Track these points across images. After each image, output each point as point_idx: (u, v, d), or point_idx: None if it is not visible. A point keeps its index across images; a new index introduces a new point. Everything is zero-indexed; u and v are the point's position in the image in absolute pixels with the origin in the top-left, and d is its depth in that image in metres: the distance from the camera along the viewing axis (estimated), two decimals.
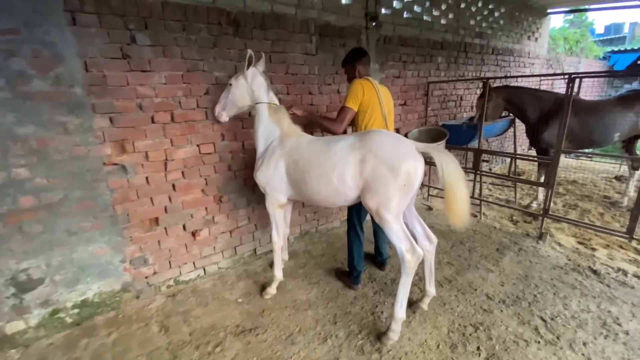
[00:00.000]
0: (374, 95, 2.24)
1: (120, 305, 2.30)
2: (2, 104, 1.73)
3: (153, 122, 2.21)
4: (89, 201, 2.08)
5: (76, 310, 2.13)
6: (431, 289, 2.16)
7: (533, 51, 5.95)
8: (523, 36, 5.64)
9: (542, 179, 3.86)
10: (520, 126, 4.50)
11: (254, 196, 2.81)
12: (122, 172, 2.16)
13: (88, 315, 2.17)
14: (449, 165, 1.65)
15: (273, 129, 2.15)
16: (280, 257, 2.44)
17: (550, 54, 6.71)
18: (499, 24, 5.00)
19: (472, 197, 3.76)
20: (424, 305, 2.17)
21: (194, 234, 2.54)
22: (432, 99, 4.14)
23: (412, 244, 1.79)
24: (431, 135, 3.99)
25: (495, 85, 4.03)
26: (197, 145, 2.43)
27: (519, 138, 5.36)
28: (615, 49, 9.53)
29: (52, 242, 2.00)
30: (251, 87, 2.13)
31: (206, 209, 2.58)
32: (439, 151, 1.73)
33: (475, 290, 2.41)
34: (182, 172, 2.40)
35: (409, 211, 2.04)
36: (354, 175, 1.80)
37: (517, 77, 3.60)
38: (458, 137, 3.81)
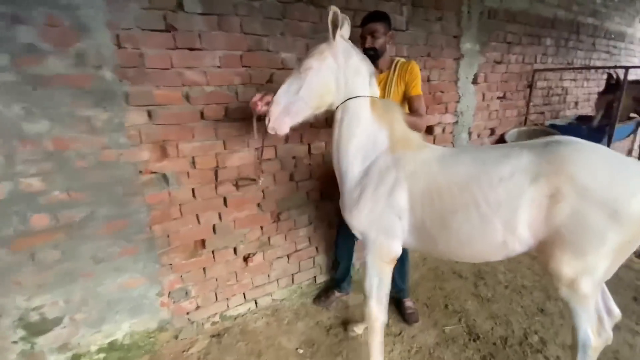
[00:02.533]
0: None
1: (156, 347, 1.83)
2: (6, 91, 1.25)
3: (203, 117, 1.67)
4: (120, 220, 1.59)
5: (102, 355, 1.68)
6: None
7: None
8: (635, 18, 4.47)
9: None
10: None
11: (317, 212, 2.22)
12: (162, 182, 1.65)
13: None
14: None
15: (378, 137, 1.40)
16: (380, 343, 1.56)
17: None
18: (614, 1, 3.93)
19: None
20: None
21: (246, 260, 2.01)
22: (535, 92, 3.27)
23: (600, 322, 1.27)
24: (533, 138, 3.16)
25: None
26: (256, 149, 1.86)
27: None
28: None
29: (72, 273, 1.54)
30: (345, 71, 1.37)
31: (262, 228, 2.02)
32: None
33: None
34: (236, 183, 1.85)
35: None
36: (535, 220, 1.14)
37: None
38: None
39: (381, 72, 1.78)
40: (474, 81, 2.71)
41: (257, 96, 1.45)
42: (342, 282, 2.19)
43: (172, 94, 1.57)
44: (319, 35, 1.85)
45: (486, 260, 1.37)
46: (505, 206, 1.17)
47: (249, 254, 2.01)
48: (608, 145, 2.76)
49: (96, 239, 1.57)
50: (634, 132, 3.50)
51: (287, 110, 1.37)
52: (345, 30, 1.42)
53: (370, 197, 1.37)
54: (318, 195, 2.19)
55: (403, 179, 1.33)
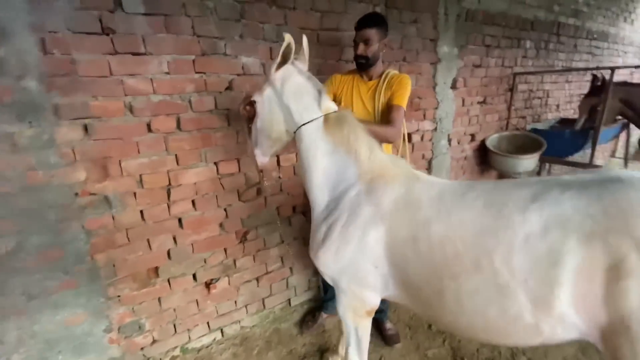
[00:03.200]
0: None
1: None
2: None
3: (150, 130, 1.48)
4: (54, 250, 1.39)
5: None
6: None
7: (628, 36, 4.78)
8: (619, 17, 4.48)
9: None
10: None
11: (290, 229, 2.05)
12: (104, 205, 1.45)
13: None
14: None
15: (344, 164, 1.19)
16: None
17: None
18: (597, 0, 3.92)
19: None
20: None
21: (208, 286, 1.82)
22: (516, 95, 3.19)
23: None
24: (516, 143, 3.07)
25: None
26: (215, 164, 1.68)
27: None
28: None
29: (2, 311, 1.33)
30: (284, 97, 1.21)
31: (225, 250, 1.84)
32: None
33: None
34: (193, 202, 1.67)
35: None
36: (585, 298, 0.82)
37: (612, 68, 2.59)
38: (558, 147, 2.87)
39: (370, 79, 1.64)
40: (453, 86, 2.60)
41: (241, 101, 1.40)
42: (330, 302, 2.01)
43: (112, 104, 1.38)
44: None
45: (513, 345, 1.05)
46: (535, 275, 0.85)
47: (212, 280, 1.82)
48: (592, 149, 2.69)
49: (28, 272, 1.36)
50: (619, 134, 3.46)
51: (256, 142, 1.36)
52: (301, 57, 1.30)
53: (338, 237, 1.15)
54: (290, 210, 2.02)
55: (379, 218, 1.09)
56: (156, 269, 1.64)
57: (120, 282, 1.56)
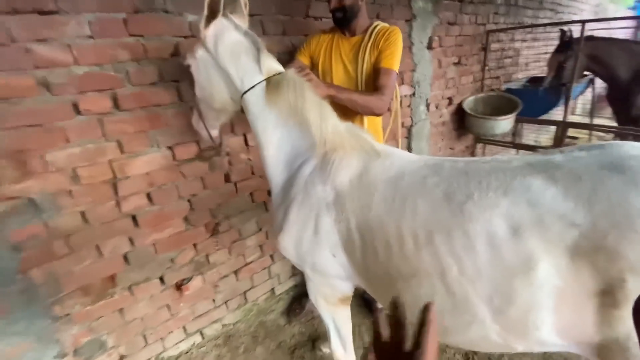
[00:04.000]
0: None
1: None
2: None
3: (79, 112, 1.18)
4: None
5: None
6: None
7: None
8: None
9: None
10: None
11: (267, 214, 1.84)
12: (30, 210, 1.16)
13: None
14: None
15: (296, 135, 1.01)
16: None
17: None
18: None
19: None
20: None
21: (179, 287, 1.60)
22: (489, 55, 3.08)
23: None
24: (492, 105, 3.00)
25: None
26: (169, 148, 1.42)
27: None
28: None
29: None
30: (220, 59, 1.01)
31: (195, 246, 1.61)
32: None
33: None
34: (148, 196, 1.41)
35: None
36: (569, 324, 0.68)
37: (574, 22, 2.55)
38: (531, 106, 2.82)
39: (353, 35, 1.40)
40: (429, 46, 2.42)
41: None
42: None
43: (19, 81, 1.06)
44: None
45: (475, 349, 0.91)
46: (502, 293, 0.69)
47: (183, 281, 1.60)
48: (565, 107, 2.66)
49: None
50: (585, 90, 3.49)
51: (199, 113, 1.19)
52: (238, 9, 1.07)
53: (295, 220, 0.99)
54: (265, 194, 1.81)
55: (331, 200, 0.92)
56: (113, 277, 1.39)
57: (68, 297, 1.30)
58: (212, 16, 0.96)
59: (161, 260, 1.50)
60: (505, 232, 0.68)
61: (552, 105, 2.86)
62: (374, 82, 1.35)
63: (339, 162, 0.93)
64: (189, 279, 1.62)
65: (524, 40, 3.64)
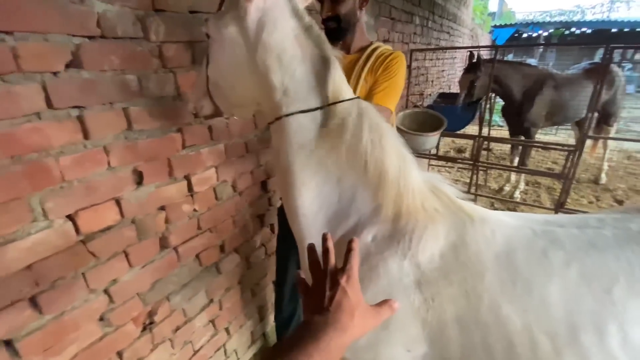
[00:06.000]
0: None
1: None
2: None
3: None
4: None
5: None
6: None
7: (464, 19, 5.67)
8: (460, 1, 5.22)
9: (515, 162, 3.56)
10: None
11: (220, 279, 1.39)
12: None
13: None
14: None
15: (351, 188, 0.71)
16: None
17: (472, 24, 6.65)
18: None
19: (467, 192, 3.14)
20: None
21: None
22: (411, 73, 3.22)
23: None
24: (417, 120, 3.12)
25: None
26: (69, 218, 0.85)
27: None
28: (497, 23, 10.65)
29: None
30: (258, 51, 0.65)
31: (120, 355, 1.05)
32: None
33: None
34: (33, 301, 0.81)
35: None
36: None
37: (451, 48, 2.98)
38: (450, 121, 3.04)
39: (348, 52, 1.12)
40: None
41: None
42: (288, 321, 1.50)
43: None
44: None
45: None
46: None
47: None
48: (480, 122, 2.96)
49: None
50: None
51: (204, 91, 0.82)
52: None
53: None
54: (217, 252, 1.35)
55: (413, 280, 0.67)
56: None
57: None
58: None
59: None
60: None
61: (468, 120, 3.16)
62: None
63: (422, 230, 0.67)
64: None
65: (430, 59, 3.98)
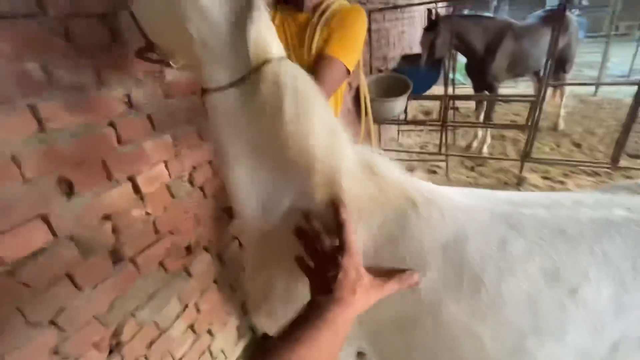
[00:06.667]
0: None
1: None
2: None
3: None
4: None
5: None
6: None
7: None
8: None
9: (481, 118, 3.60)
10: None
11: (191, 282, 1.28)
12: None
13: None
14: None
15: (283, 172, 0.58)
16: None
17: None
18: None
19: (439, 152, 3.15)
20: None
21: None
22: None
23: None
24: (383, 86, 3.03)
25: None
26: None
27: None
28: None
29: None
30: None
31: None
32: None
33: None
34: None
35: None
36: None
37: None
38: (416, 83, 2.97)
39: (300, 10, 0.98)
40: None
41: None
42: None
43: None
44: None
45: None
46: None
47: None
48: (445, 82, 2.90)
49: None
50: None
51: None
52: None
53: (282, 294, 0.63)
54: (182, 254, 1.23)
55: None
56: None
57: None
58: None
59: None
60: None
61: (434, 81, 3.11)
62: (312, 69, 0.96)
63: (354, 220, 0.55)
64: None
65: (390, 20, 3.82)
